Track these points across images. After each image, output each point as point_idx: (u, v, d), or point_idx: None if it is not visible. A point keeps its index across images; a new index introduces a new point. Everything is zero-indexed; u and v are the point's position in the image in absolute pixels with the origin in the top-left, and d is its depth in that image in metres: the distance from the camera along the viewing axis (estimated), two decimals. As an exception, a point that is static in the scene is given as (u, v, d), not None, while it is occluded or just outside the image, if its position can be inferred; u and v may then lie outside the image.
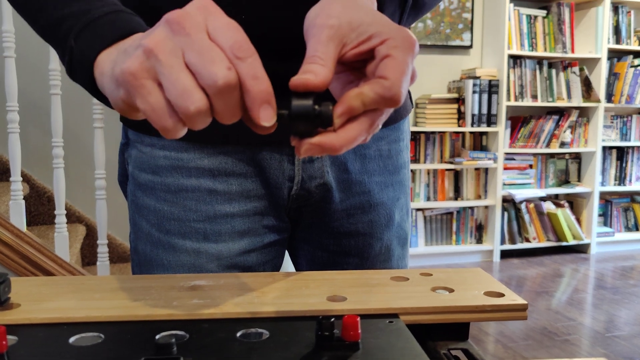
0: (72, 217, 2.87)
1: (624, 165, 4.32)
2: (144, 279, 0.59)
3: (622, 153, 4.32)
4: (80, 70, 0.51)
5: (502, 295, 0.55)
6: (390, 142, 0.81)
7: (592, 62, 4.07)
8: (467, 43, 3.98)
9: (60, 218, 1.94)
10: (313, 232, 0.80)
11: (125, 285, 0.57)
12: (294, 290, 0.56)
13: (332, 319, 0.44)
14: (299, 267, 0.85)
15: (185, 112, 0.41)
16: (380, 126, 0.48)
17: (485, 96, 3.83)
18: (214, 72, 0.40)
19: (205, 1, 0.43)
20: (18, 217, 1.87)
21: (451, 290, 0.57)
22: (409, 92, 0.87)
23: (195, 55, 0.41)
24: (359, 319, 0.44)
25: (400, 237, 0.83)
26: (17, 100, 1.89)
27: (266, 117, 0.43)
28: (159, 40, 0.41)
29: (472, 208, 4.04)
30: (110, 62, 0.48)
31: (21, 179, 1.92)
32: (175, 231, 0.72)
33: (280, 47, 0.66)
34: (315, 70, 0.44)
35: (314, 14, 0.49)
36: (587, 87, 4.07)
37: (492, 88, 3.83)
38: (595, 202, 4.15)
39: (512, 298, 0.54)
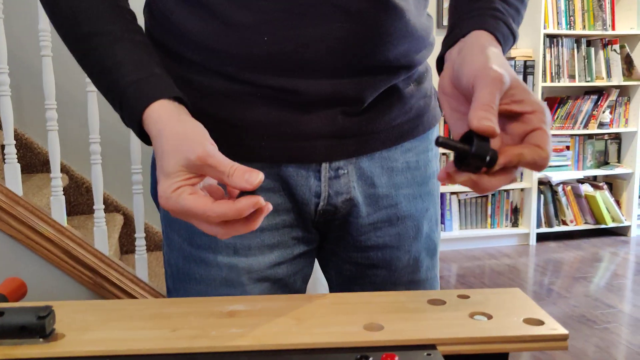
0: (110, 207, 2.93)
1: (666, 145, 4.19)
2: (182, 304, 0.60)
3: (664, 132, 4.19)
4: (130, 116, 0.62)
5: (542, 323, 0.54)
6: (419, 153, 0.80)
7: (634, 39, 3.93)
8: (502, 23, 3.88)
9: (99, 213, 1.98)
10: (341, 244, 0.80)
11: (165, 311, 0.58)
12: (330, 317, 0.56)
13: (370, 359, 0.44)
14: (328, 278, 0.85)
15: None
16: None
17: (520, 77, 3.73)
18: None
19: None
20: (59, 212, 1.92)
21: (490, 317, 0.56)
22: (438, 100, 0.85)
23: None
24: (397, 358, 0.44)
25: (429, 248, 0.83)
26: (55, 98, 1.93)
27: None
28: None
29: (507, 191, 3.98)
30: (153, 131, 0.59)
31: (60, 175, 1.96)
32: (206, 246, 0.74)
33: (300, 64, 0.67)
34: (494, 120, 0.52)
35: (482, 61, 0.55)
36: (629, 65, 3.94)
37: (528, 69, 3.74)
38: (636, 183, 4.04)
39: (553, 327, 0.53)
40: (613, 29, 3.87)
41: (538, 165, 0.54)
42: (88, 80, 1.98)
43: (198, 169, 0.54)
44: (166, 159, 0.55)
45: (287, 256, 0.76)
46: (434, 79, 0.85)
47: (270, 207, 0.53)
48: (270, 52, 0.66)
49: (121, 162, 2.91)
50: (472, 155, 0.52)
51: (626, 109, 4.04)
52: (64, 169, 2.83)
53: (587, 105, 3.94)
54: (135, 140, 2.11)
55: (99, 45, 0.63)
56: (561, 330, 0.53)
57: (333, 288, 0.85)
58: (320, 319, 0.56)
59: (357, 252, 0.79)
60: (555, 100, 3.97)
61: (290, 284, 0.77)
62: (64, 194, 1.95)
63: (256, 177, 0.51)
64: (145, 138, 0.62)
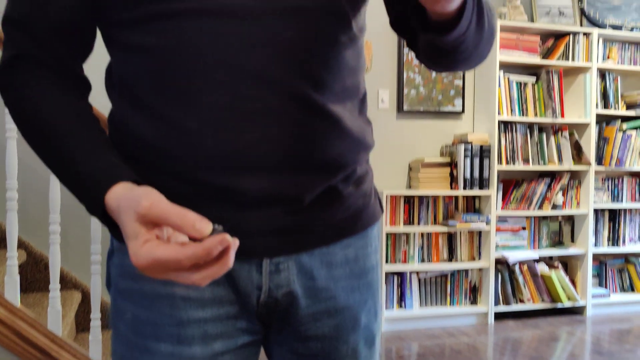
0: (69, 284, 2.90)
1: (616, 226, 4.36)
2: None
3: (614, 215, 4.37)
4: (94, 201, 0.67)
5: None
6: (358, 249, 0.85)
7: (582, 127, 4.17)
8: (459, 109, 4.09)
9: (55, 293, 1.98)
10: (283, 335, 0.84)
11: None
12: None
13: None
14: None
15: None
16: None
17: (477, 160, 3.91)
18: None
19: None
20: (12, 292, 1.91)
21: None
22: (379, 199, 0.92)
23: None
24: None
25: (368, 339, 0.87)
26: (18, 175, 1.96)
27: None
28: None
29: (466, 270, 4.06)
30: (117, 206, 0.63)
31: (16, 254, 1.96)
32: (150, 335, 0.77)
33: (242, 165, 0.73)
34: None
35: None
36: (578, 151, 4.16)
37: (484, 152, 3.92)
38: (589, 263, 4.17)
39: None
40: (562, 116, 4.10)
41: None
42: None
43: (150, 219, 0.57)
44: (124, 222, 0.60)
45: (231, 346, 0.79)
46: (375, 179, 0.93)
47: (237, 242, 0.56)
48: (214, 154, 0.72)
49: (82, 237, 2.91)
50: None
51: (577, 192, 4.23)
52: (22, 245, 2.81)
53: (541, 187, 4.11)
54: (95, 221, 2.13)
55: (63, 144, 0.70)
56: None
57: (279, 378, 0.89)
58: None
59: (298, 343, 0.83)
60: (510, 182, 4.13)
61: None
62: (21, 271, 1.95)
63: (206, 226, 0.55)
64: (110, 224, 0.67)
